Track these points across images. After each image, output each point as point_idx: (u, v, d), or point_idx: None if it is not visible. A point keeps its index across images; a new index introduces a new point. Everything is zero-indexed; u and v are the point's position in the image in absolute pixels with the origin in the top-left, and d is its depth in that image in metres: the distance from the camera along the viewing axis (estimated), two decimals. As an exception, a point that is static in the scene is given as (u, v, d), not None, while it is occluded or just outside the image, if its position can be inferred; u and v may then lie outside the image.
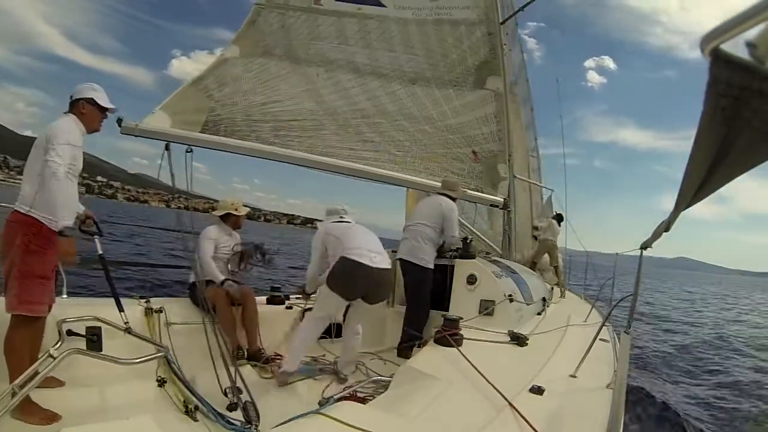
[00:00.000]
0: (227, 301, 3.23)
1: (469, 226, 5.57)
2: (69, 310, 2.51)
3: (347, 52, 4.69)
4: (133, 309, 2.95)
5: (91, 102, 2.43)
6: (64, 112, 2.43)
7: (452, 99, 4.76)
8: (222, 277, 3.35)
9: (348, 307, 3.17)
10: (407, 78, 4.74)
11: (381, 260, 2.92)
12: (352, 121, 4.48)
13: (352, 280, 2.86)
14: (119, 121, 3.38)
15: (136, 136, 3.49)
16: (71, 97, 2.45)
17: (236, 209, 3.60)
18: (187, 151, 3.36)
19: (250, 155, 3.95)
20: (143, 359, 2.17)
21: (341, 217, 3.20)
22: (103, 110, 2.51)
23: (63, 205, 2.17)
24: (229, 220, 3.61)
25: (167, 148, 3.31)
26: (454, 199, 3.86)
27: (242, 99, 4.20)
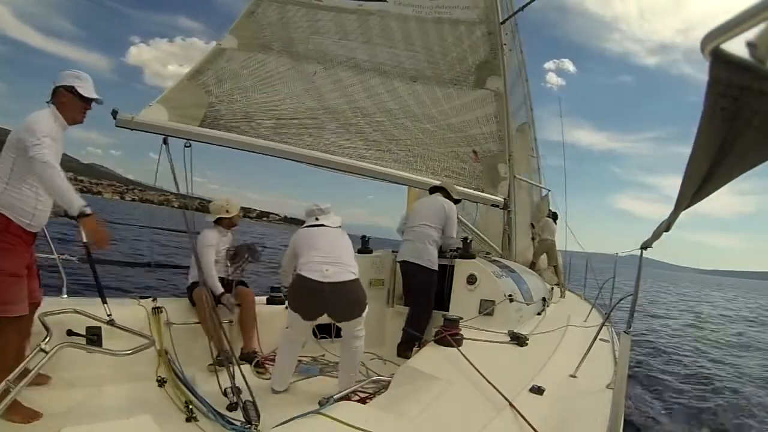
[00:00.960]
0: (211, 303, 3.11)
1: (470, 225, 5.56)
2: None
3: (347, 47, 4.65)
4: (133, 309, 2.95)
5: (72, 91, 2.24)
6: (46, 101, 2.25)
7: (453, 98, 4.75)
8: (221, 290, 3.22)
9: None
10: (408, 76, 4.72)
11: (336, 272, 2.60)
12: (353, 119, 4.45)
13: (303, 298, 2.64)
14: (114, 113, 3.21)
15: (131, 129, 3.33)
16: (54, 83, 2.27)
17: (227, 211, 3.52)
18: (185, 146, 3.17)
19: (251, 151, 3.87)
20: (134, 350, 2.16)
21: (316, 218, 2.98)
22: (86, 101, 2.30)
23: (69, 190, 2.06)
24: (223, 221, 3.52)
25: (165, 142, 3.15)
26: (453, 200, 3.87)
27: (241, 96, 4.10)
